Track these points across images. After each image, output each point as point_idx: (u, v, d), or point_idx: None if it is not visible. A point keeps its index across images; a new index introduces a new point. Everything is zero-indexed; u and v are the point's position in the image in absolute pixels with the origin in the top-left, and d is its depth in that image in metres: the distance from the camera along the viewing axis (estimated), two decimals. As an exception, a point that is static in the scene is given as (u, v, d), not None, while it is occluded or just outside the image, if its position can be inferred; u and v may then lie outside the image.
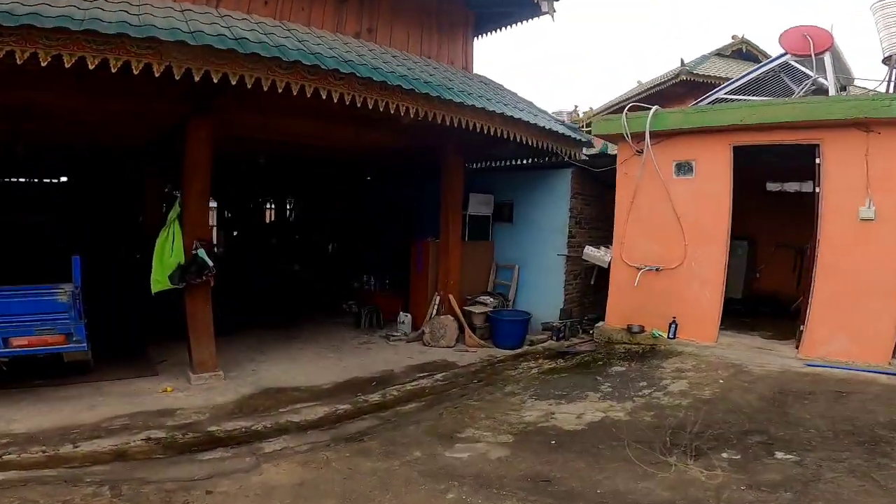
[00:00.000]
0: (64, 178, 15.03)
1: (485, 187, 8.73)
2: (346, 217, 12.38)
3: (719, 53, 16.51)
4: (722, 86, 7.61)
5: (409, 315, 8.22)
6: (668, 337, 6.16)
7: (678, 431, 4.28)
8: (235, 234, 18.15)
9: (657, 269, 6.34)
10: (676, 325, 6.10)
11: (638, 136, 6.50)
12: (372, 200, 12.33)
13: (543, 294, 8.26)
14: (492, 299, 8.22)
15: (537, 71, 72.79)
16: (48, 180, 14.91)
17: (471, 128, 6.20)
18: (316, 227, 13.86)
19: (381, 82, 5.41)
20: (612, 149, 7.85)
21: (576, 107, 16.31)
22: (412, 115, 5.72)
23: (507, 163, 9.27)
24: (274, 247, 15.35)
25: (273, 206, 18.33)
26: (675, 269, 6.18)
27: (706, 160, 6.07)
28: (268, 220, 18.61)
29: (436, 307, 7.83)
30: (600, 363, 6.29)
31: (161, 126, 6.47)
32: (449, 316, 7.65)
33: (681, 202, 6.17)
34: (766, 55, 17.12)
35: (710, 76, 14.49)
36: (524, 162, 8.84)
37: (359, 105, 5.34)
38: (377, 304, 8.37)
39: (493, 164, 9.59)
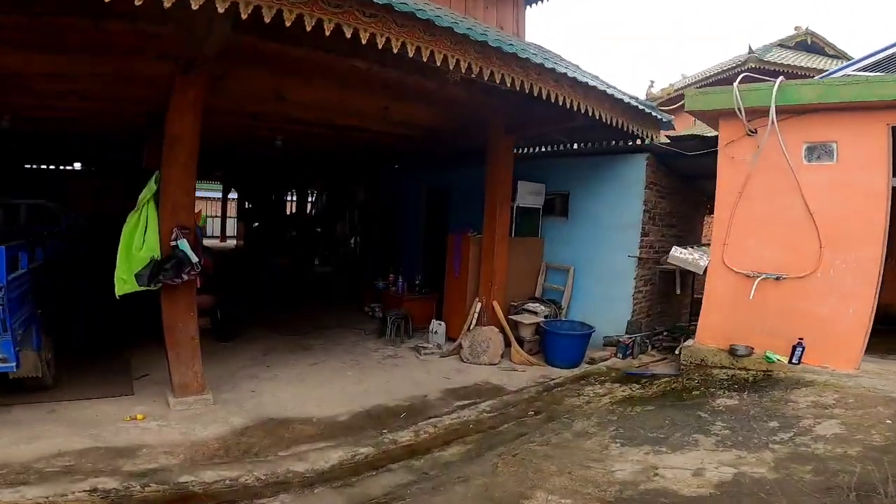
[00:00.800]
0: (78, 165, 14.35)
1: (533, 176, 7.34)
2: (371, 209, 11.14)
3: (782, 44, 14.94)
4: (846, 64, 6.08)
5: (442, 324, 6.90)
6: (790, 362, 4.69)
7: (869, 496, 2.88)
8: (256, 225, 17.19)
9: (776, 278, 4.87)
10: (803, 349, 4.62)
11: (752, 113, 5.05)
12: (400, 191, 11.07)
13: (605, 302, 6.85)
14: (542, 307, 6.84)
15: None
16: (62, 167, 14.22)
17: (535, 93, 4.81)
18: (337, 219, 12.69)
19: (425, 21, 4.06)
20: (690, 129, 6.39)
21: (652, 82, 14.72)
22: (463, 71, 4.36)
23: (557, 147, 7.86)
24: (293, 240, 14.25)
25: (294, 197, 17.28)
26: (804, 279, 4.70)
27: (852, 143, 4.58)
28: (288, 213, 17.57)
29: (476, 315, 6.49)
30: (696, 393, 4.86)
31: (157, 96, 5.32)
32: (493, 327, 6.30)
33: (814, 194, 4.68)
34: (833, 47, 15.40)
35: (781, 64, 13.00)
36: (581, 146, 7.42)
37: (395, 50, 4.03)
38: (405, 310, 7.07)
39: (543, 150, 8.19)
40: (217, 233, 22.64)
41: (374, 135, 8.50)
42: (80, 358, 5.34)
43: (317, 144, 9.75)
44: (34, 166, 14.12)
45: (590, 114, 5.37)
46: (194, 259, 4.09)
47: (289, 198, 17.66)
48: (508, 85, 4.63)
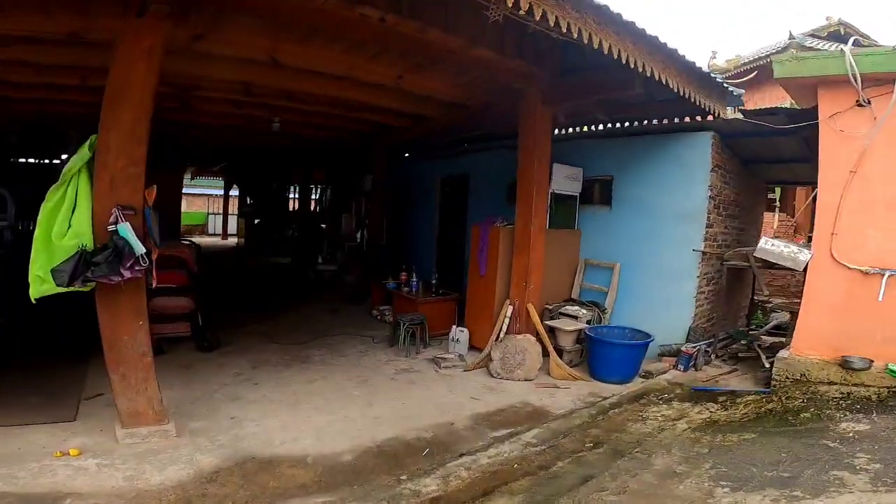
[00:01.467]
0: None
1: (568, 160, 6.27)
2: (379, 201, 10.10)
3: (814, 34, 13.85)
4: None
5: (465, 331, 5.83)
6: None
7: None
8: (257, 221, 16.23)
9: (908, 275, 3.78)
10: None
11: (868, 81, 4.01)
12: (411, 182, 10.04)
13: (659, 305, 5.76)
14: (583, 311, 5.76)
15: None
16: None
17: (596, 45, 3.72)
18: (342, 213, 11.67)
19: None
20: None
21: (714, 52, 13.69)
22: (510, 4, 3.28)
23: (593, 127, 6.78)
24: (295, 237, 13.26)
25: (296, 192, 16.29)
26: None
27: None
28: (291, 209, 16.57)
29: (506, 321, 5.43)
30: (806, 416, 3.79)
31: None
32: (528, 336, 5.23)
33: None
34: (866, 37, 14.32)
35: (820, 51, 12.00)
36: (628, 125, 6.33)
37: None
38: (420, 315, 5.99)
39: (579, 131, 7.12)
40: (219, 230, 21.76)
41: (384, 115, 7.48)
42: (32, 366, 4.36)
43: (320, 131, 8.74)
44: (27, 160, 13.35)
45: (656, 78, 4.30)
46: (140, 249, 3.03)
47: (291, 194, 16.67)
48: (564, 30, 3.53)
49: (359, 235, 10.42)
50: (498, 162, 7.92)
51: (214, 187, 23.51)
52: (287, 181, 15.98)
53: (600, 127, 6.69)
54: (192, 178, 21.76)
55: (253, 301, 8.23)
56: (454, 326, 5.87)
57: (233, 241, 19.04)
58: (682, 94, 4.63)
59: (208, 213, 24.48)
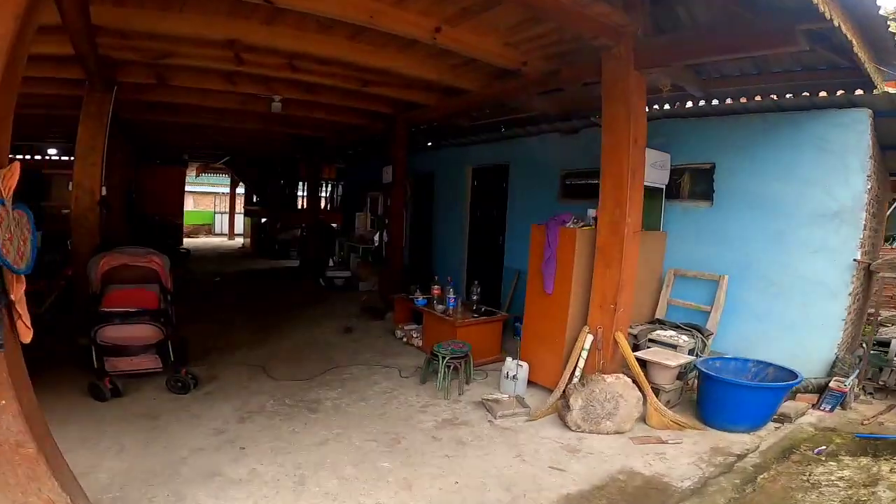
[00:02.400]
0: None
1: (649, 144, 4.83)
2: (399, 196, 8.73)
3: None
4: None
5: (524, 365, 4.41)
6: None
7: None
8: (264, 221, 14.96)
9: None
10: None
11: None
12: (436, 173, 8.65)
13: (781, 328, 4.33)
14: (683, 337, 4.32)
15: None
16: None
17: None
18: (356, 210, 10.33)
19: None
20: None
21: None
22: None
23: (674, 105, 5.32)
24: (303, 238, 11.94)
25: (304, 189, 14.99)
26: None
27: None
28: (300, 207, 15.27)
29: (584, 354, 4.01)
30: None
31: None
32: (623, 378, 3.79)
33: None
34: None
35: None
36: (737, 101, 4.86)
37: None
38: (464, 345, 4.53)
39: (659, 108, 5.66)
40: (226, 230, 20.56)
41: (409, 89, 6.10)
42: None
43: (331, 113, 7.36)
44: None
45: (835, 23, 2.90)
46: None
47: (300, 191, 15.37)
48: None
49: (376, 237, 9.05)
50: (547, 149, 6.51)
51: (222, 185, 22.32)
52: (295, 177, 14.70)
53: (682, 104, 5.24)
54: (197, 176, 20.67)
55: (250, 314, 6.89)
56: (508, 359, 4.45)
57: (240, 241, 17.82)
58: (852, 53, 3.22)
59: (215, 212, 23.28)
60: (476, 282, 5.54)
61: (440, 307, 5.26)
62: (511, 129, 6.99)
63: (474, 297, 5.37)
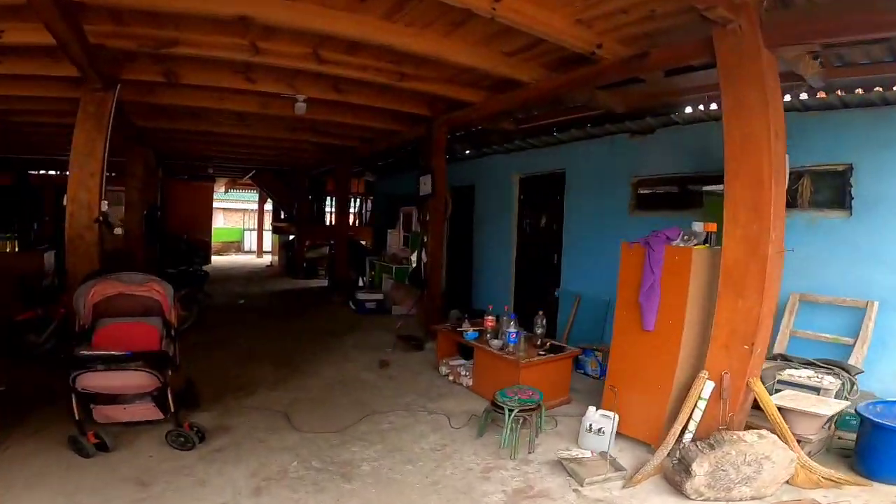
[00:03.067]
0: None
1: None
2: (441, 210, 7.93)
3: None
4: None
5: (612, 416, 3.44)
6: None
7: None
8: (291, 238, 14.37)
9: None
10: None
11: None
12: (477, 183, 7.83)
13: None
14: (829, 378, 3.30)
15: None
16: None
17: None
18: (388, 225, 9.57)
19: None
20: None
21: None
22: None
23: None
24: (330, 257, 11.24)
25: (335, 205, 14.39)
26: None
27: None
28: (328, 223, 14.65)
29: (702, 404, 3.04)
30: None
31: None
32: (768, 435, 2.79)
33: None
34: None
35: None
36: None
37: None
38: (533, 393, 3.54)
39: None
40: (255, 247, 20.16)
41: (455, 84, 5.32)
42: None
43: (360, 115, 6.62)
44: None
45: None
46: None
47: (328, 207, 14.79)
48: None
49: (413, 256, 8.24)
50: (615, 153, 5.61)
51: (250, 201, 22.03)
52: (322, 191, 14.13)
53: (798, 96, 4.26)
54: (225, 192, 20.42)
55: (274, 343, 6.13)
56: (591, 409, 3.49)
57: (268, 258, 17.30)
58: None
59: (244, 229, 22.98)
60: (541, 311, 4.60)
61: (496, 342, 4.34)
62: (567, 130, 6.12)
63: (538, 331, 4.43)
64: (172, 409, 3.12)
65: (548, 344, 4.37)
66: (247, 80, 4.99)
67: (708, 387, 3.00)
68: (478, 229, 7.79)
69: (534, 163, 6.75)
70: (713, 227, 3.37)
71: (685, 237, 3.35)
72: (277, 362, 5.28)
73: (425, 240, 7.06)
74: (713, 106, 4.74)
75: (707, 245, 3.34)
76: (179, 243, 12.98)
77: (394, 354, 5.71)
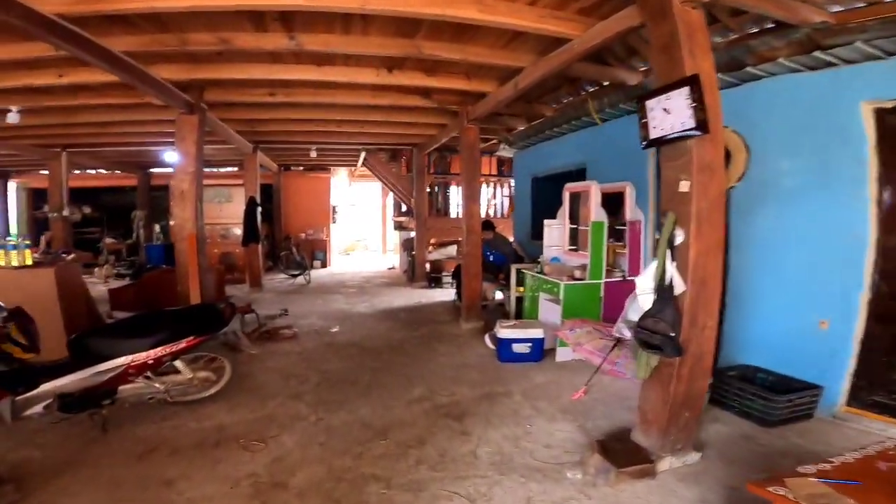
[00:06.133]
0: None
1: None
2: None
3: None
4: None
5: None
6: None
7: None
8: (412, 236, 11.90)
9: None
10: None
11: None
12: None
13: None
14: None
15: None
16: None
17: None
18: (544, 215, 6.38)
19: None
20: None
21: None
22: None
23: None
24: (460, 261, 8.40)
25: (462, 190, 11.56)
26: None
27: None
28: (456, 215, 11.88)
29: None
30: None
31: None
32: None
33: None
34: None
35: None
36: None
37: None
38: None
39: None
40: (379, 245, 18.46)
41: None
42: None
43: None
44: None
45: None
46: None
47: (455, 195, 12.03)
48: None
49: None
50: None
51: (375, 193, 20.35)
52: (445, 173, 11.45)
53: None
54: (350, 185, 18.91)
55: (337, 441, 3.39)
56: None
57: (392, 259, 15.24)
58: None
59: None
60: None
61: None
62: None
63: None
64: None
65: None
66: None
67: None
68: (746, 219, 4.14)
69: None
70: None
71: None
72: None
73: (675, 233, 2.86)
74: None
75: None
76: (287, 248, 11.30)
77: (597, 477, 2.56)
